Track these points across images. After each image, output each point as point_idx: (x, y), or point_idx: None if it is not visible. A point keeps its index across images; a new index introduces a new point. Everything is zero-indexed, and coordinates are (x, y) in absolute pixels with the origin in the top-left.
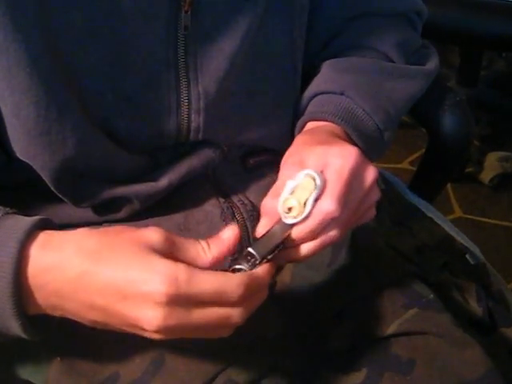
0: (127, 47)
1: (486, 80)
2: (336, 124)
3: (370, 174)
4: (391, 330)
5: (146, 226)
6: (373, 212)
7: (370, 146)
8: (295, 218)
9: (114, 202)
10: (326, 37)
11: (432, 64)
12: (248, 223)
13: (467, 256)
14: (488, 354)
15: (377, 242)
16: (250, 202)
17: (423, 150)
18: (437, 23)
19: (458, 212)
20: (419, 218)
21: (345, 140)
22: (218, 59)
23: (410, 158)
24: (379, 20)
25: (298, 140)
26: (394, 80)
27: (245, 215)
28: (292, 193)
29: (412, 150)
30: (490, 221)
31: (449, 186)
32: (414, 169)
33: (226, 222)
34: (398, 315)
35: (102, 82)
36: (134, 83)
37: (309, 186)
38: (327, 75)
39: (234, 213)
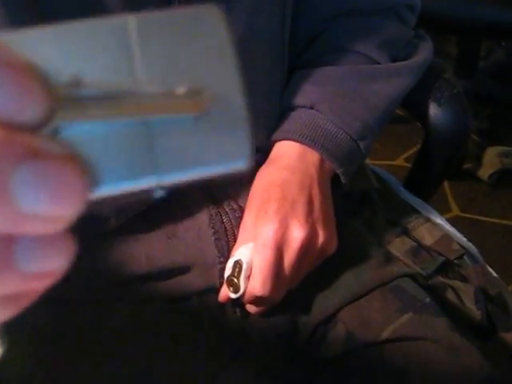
0: None
1: (484, 71)
2: (302, 144)
3: (296, 241)
4: (385, 335)
5: (134, 234)
6: (317, 263)
7: (345, 159)
8: (235, 294)
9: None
10: (309, 35)
11: (423, 55)
12: (235, 230)
13: (465, 257)
14: (487, 359)
15: (367, 243)
16: (239, 206)
17: (419, 146)
18: (432, 11)
19: (456, 210)
20: (415, 217)
21: (313, 162)
22: None
23: (405, 155)
24: (363, 19)
25: (257, 181)
26: (376, 83)
27: (233, 222)
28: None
29: (407, 145)
30: (489, 219)
31: (446, 183)
32: (410, 165)
33: (214, 228)
34: (393, 320)
35: None
36: None
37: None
38: (299, 88)
39: (222, 219)
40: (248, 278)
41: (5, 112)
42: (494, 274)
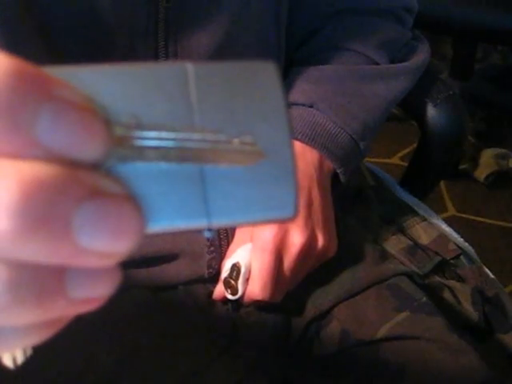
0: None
1: (480, 73)
2: (302, 142)
3: (295, 247)
4: (381, 333)
5: None
6: (316, 265)
7: (345, 159)
8: (233, 296)
9: None
10: (308, 29)
11: (420, 57)
12: (229, 231)
13: (462, 257)
14: (484, 360)
15: (363, 240)
16: None
17: (415, 145)
18: (429, 13)
19: (452, 210)
20: (411, 215)
21: (312, 161)
22: (198, 35)
23: (401, 153)
24: (362, 18)
25: None
26: (374, 83)
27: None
28: (230, 271)
29: (403, 144)
30: (485, 220)
31: (442, 183)
32: (405, 164)
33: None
34: (389, 318)
35: (77, 46)
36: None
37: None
38: (298, 86)
39: None
40: (246, 281)
41: (68, 150)
42: (491, 275)
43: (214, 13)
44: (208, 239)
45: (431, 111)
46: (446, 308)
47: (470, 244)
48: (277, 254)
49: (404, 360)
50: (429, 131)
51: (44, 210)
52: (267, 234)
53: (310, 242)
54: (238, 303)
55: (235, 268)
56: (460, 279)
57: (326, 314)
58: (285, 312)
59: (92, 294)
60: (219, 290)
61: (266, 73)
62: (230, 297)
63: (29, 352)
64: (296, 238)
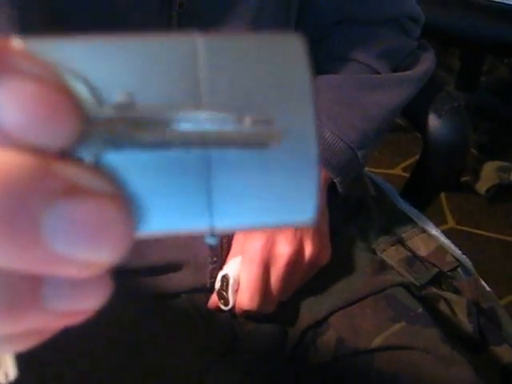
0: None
1: (486, 86)
2: None
3: (282, 257)
4: (376, 343)
5: None
6: (309, 275)
7: (342, 168)
8: (225, 306)
9: None
10: (310, 41)
11: (424, 66)
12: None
13: (459, 269)
14: (477, 372)
15: (363, 251)
16: None
17: (417, 156)
18: (437, 23)
19: (451, 223)
20: (410, 226)
21: None
22: None
23: (403, 164)
24: (365, 28)
25: None
26: (375, 93)
27: None
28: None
29: (406, 155)
30: (484, 233)
31: (442, 195)
32: (407, 175)
33: None
34: (384, 328)
35: None
36: None
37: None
38: None
39: None
40: (236, 291)
41: (34, 135)
42: (487, 288)
43: (228, 20)
44: (211, 248)
45: (435, 122)
46: (442, 319)
47: (468, 256)
48: (264, 266)
49: (398, 370)
50: (432, 142)
51: (10, 207)
52: (255, 245)
53: (297, 252)
54: (233, 313)
55: (224, 280)
56: (456, 291)
57: (322, 322)
58: (281, 321)
59: (75, 307)
60: (213, 301)
61: (292, 47)
62: (223, 307)
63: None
64: (283, 249)
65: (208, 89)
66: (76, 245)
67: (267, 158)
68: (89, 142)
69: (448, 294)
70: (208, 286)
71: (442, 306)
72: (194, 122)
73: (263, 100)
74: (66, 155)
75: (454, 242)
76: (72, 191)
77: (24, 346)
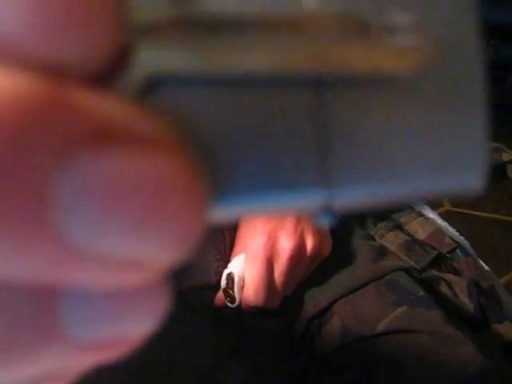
0: None
1: None
2: None
3: (285, 252)
4: (380, 328)
5: None
6: (312, 268)
7: None
8: (232, 304)
9: None
10: None
11: None
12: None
13: (457, 251)
14: (481, 351)
15: (362, 239)
16: None
17: None
18: None
19: (447, 205)
20: (408, 212)
21: None
22: None
23: None
24: None
25: None
26: None
27: None
28: (226, 280)
29: None
30: (480, 214)
31: None
32: None
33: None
34: (387, 313)
35: None
36: None
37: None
38: None
39: None
40: (242, 288)
41: (49, 49)
42: (486, 268)
43: None
44: (214, 245)
45: None
46: (443, 301)
47: (466, 237)
48: (268, 261)
49: (403, 353)
50: None
51: (1, 165)
52: (258, 242)
53: (299, 245)
54: (240, 309)
55: (229, 278)
56: (456, 272)
57: (326, 311)
58: (287, 314)
59: (112, 334)
60: (220, 299)
61: None
62: (229, 305)
63: None
64: (285, 244)
65: None
66: (112, 231)
67: (411, 93)
68: (134, 65)
69: (448, 276)
70: (213, 282)
71: (443, 288)
72: (293, 26)
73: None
74: (96, 84)
75: (451, 224)
76: (106, 138)
77: None
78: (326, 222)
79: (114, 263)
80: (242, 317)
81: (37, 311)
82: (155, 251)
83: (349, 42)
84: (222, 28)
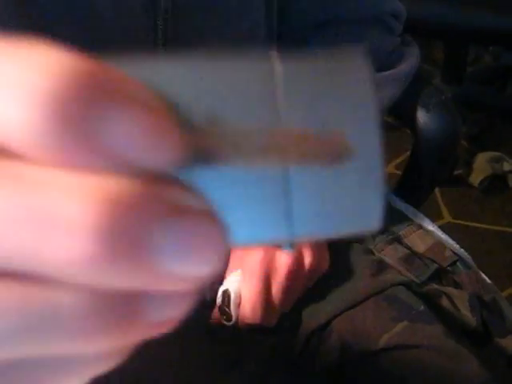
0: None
1: (472, 76)
2: None
3: (282, 269)
4: (381, 344)
5: None
6: (309, 283)
7: None
8: (228, 322)
9: None
10: (292, 43)
11: (409, 63)
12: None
13: (458, 263)
14: (484, 365)
15: (360, 253)
16: None
17: (409, 153)
18: (420, 17)
19: (447, 217)
20: (407, 224)
21: None
22: (195, 42)
23: (396, 161)
24: (349, 28)
25: None
26: None
27: None
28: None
29: (397, 152)
30: (481, 225)
31: (437, 190)
32: (400, 173)
33: None
34: (387, 329)
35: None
36: None
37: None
38: None
39: None
40: (239, 305)
41: (142, 159)
42: (488, 280)
43: (211, 22)
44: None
45: (424, 117)
46: (445, 315)
47: (467, 250)
48: (265, 278)
49: (405, 369)
50: (422, 137)
51: (128, 232)
52: (255, 258)
53: (297, 262)
54: (236, 327)
55: (225, 295)
56: (457, 285)
57: (325, 327)
58: (284, 331)
59: (168, 316)
60: (216, 316)
61: (356, 62)
62: (225, 323)
63: None
64: (283, 259)
65: (286, 108)
66: (182, 262)
67: (339, 173)
68: (183, 162)
69: (449, 289)
70: (208, 299)
71: (444, 302)
72: (275, 139)
73: (333, 116)
74: (165, 176)
75: (451, 237)
76: (177, 212)
77: (115, 362)
78: (289, 250)
79: (182, 278)
80: (238, 335)
81: (131, 302)
82: (203, 270)
83: (306, 142)
84: (231, 141)
